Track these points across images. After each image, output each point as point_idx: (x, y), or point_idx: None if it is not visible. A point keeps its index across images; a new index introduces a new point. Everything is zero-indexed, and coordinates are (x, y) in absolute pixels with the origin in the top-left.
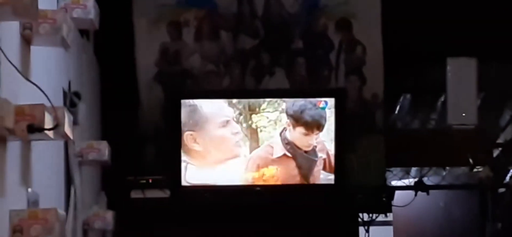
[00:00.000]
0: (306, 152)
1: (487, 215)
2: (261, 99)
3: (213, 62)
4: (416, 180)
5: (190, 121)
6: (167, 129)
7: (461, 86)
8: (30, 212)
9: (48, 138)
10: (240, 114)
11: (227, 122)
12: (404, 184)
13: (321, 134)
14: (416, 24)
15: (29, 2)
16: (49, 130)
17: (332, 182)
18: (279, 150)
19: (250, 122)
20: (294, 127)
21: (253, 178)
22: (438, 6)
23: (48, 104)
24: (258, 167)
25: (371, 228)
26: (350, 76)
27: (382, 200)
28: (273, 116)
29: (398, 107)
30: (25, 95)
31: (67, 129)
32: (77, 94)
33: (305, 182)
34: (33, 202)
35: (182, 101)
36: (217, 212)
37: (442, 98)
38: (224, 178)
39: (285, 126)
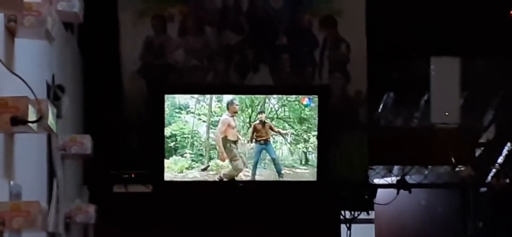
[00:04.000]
0: None
1: (468, 213)
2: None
3: (197, 57)
4: (398, 178)
5: None
6: (150, 123)
7: (445, 85)
8: (12, 205)
9: (32, 131)
10: None
11: None
12: (386, 182)
13: None
14: (400, 22)
15: None
16: (32, 122)
17: (315, 178)
18: None
19: None
20: None
21: None
22: (422, 5)
23: (31, 97)
24: None
25: (353, 226)
26: (334, 73)
27: (364, 197)
28: None
29: (381, 105)
30: (8, 87)
31: (51, 122)
32: (60, 88)
33: None
34: (15, 195)
35: None
36: (199, 207)
37: (425, 97)
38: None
39: None
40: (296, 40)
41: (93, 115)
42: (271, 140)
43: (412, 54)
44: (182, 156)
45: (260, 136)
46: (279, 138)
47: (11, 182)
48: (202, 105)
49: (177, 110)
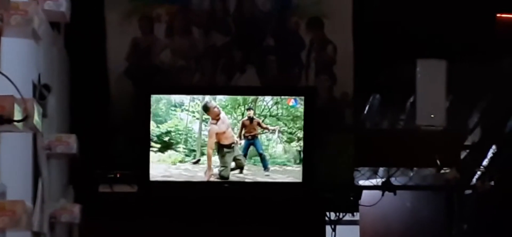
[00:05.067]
0: None
1: (453, 216)
2: None
3: (184, 58)
4: (383, 180)
5: None
6: (136, 124)
7: (430, 87)
8: None
9: (17, 130)
10: None
11: None
12: (371, 184)
13: None
14: (387, 25)
15: None
16: (18, 121)
17: (300, 179)
18: None
19: None
20: None
21: None
22: (409, 7)
23: (17, 96)
24: None
25: (338, 227)
26: (320, 75)
27: (349, 199)
28: None
29: (367, 107)
30: None
31: (36, 121)
32: (46, 87)
33: None
34: (0, 194)
35: None
36: (184, 208)
37: (411, 99)
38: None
39: None
40: (283, 41)
41: (79, 115)
42: (264, 136)
43: (398, 56)
44: (176, 150)
45: (248, 131)
46: (274, 136)
47: None
48: (196, 103)
49: (172, 108)
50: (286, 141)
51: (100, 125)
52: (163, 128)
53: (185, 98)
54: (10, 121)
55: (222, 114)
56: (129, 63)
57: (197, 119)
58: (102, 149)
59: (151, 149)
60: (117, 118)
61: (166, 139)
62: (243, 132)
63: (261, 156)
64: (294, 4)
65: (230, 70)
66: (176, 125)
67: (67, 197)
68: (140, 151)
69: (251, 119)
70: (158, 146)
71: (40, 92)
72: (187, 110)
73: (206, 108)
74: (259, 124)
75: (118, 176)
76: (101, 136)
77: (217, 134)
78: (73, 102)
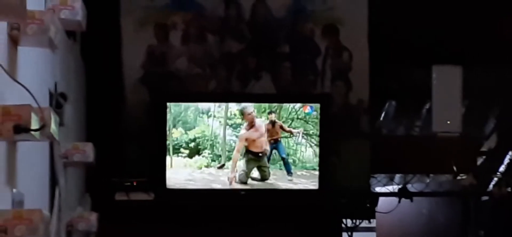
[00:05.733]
0: None
1: (470, 222)
2: None
3: (199, 65)
4: (400, 186)
5: None
6: (152, 131)
7: (446, 93)
8: (14, 213)
9: (34, 139)
10: None
11: None
12: (388, 191)
13: None
14: (403, 31)
15: (17, 2)
16: (35, 130)
17: (316, 186)
18: None
19: None
20: None
21: None
22: (425, 13)
23: (34, 105)
24: None
25: (354, 234)
26: (336, 81)
27: (365, 206)
28: None
29: (383, 114)
30: (11, 95)
31: (53, 130)
32: (63, 96)
33: None
34: (18, 203)
35: None
36: (201, 215)
37: (427, 106)
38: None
39: None
40: (298, 48)
41: (95, 123)
42: (292, 141)
43: (414, 62)
44: (202, 155)
45: (271, 135)
46: (303, 140)
47: (14, 190)
48: (222, 108)
49: (201, 115)
50: (316, 145)
51: (116, 133)
52: (191, 134)
53: (212, 105)
54: (27, 130)
55: (258, 122)
56: (145, 71)
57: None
58: (119, 157)
59: (179, 154)
60: (133, 126)
61: (193, 145)
62: (266, 136)
63: (284, 160)
64: (309, 11)
65: (245, 77)
66: (203, 131)
67: (84, 205)
68: (157, 158)
69: (273, 123)
70: (187, 152)
71: (57, 101)
72: (214, 116)
73: (241, 113)
74: (281, 127)
75: (134, 184)
76: (117, 143)
77: (247, 139)
78: (89, 110)
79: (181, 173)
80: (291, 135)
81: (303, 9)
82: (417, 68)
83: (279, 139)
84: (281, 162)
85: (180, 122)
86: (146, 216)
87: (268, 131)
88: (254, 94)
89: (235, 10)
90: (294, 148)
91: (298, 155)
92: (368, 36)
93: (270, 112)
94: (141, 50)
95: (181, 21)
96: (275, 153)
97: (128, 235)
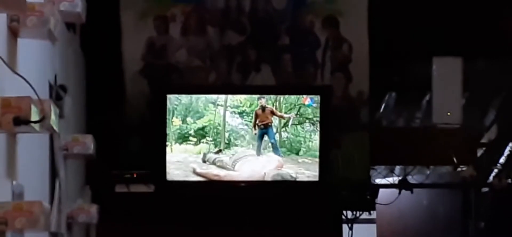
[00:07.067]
0: None
1: (470, 213)
2: None
3: (199, 58)
4: (400, 178)
5: None
6: (152, 123)
7: (446, 85)
8: (14, 205)
9: (34, 131)
10: None
11: None
12: (388, 182)
13: None
14: (403, 22)
15: None
16: (35, 122)
17: (316, 178)
18: None
19: None
20: None
21: None
22: (425, 5)
23: (34, 97)
24: None
25: (355, 226)
26: (336, 73)
27: (366, 197)
28: None
29: (383, 105)
30: (11, 87)
31: (53, 122)
32: (63, 88)
33: None
34: (18, 195)
35: None
36: (201, 207)
37: (427, 97)
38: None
39: None
40: (298, 40)
41: (95, 115)
42: (300, 128)
43: (414, 54)
44: (205, 143)
45: (261, 120)
46: (310, 127)
47: (14, 182)
48: (228, 96)
49: (210, 104)
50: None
51: (116, 125)
52: (199, 123)
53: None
54: (27, 122)
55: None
56: (145, 63)
57: (231, 112)
58: (119, 149)
59: (188, 142)
60: (133, 118)
61: (201, 133)
62: (256, 121)
63: (273, 145)
64: (309, 2)
65: (246, 69)
66: (210, 120)
67: (84, 197)
68: (157, 150)
69: (263, 108)
70: (195, 140)
71: (57, 93)
72: (221, 105)
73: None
74: (272, 112)
75: (134, 176)
76: (117, 136)
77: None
78: (89, 102)
79: (194, 159)
80: (283, 120)
81: (303, 1)
82: (417, 60)
83: (270, 124)
84: (269, 146)
85: (191, 112)
86: (146, 208)
87: (258, 116)
88: (254, 86)
89: (235, 2)
90: (303, 135)
91: (307, 143)
92: (368, 28)
93: (259, 98)
94: (141, 42)
95: (181, 13)
96: (266, 138)
97: (129, 227)
